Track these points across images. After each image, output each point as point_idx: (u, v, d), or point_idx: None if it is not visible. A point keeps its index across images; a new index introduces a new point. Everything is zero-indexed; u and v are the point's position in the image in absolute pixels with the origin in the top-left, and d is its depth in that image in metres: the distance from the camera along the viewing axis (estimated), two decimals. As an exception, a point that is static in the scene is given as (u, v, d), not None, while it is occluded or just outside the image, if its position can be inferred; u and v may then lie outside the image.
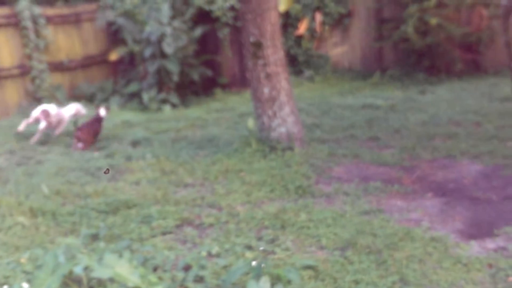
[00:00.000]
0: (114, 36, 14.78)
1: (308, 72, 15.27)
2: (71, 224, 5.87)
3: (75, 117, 10.44)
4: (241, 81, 14.95)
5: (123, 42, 14.30)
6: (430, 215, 5.79)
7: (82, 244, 5.24)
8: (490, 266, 4.58)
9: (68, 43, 14.25)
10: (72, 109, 10.43)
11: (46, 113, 9.77)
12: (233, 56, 15.20)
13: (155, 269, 4.67)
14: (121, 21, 13.86)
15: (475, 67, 13.91)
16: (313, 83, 14.79)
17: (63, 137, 10.10)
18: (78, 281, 4.33)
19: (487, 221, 5.56)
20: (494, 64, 13.67)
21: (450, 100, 11.03)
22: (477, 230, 5.37)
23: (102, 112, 9.82)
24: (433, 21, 12.91)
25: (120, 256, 4.53)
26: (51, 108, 9.99)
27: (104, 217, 6.02)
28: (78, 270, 4.23)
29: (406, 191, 6.48)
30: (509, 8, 9.04)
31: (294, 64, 15.40)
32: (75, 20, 14.35)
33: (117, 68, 15.02)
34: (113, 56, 14.46)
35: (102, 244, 5.20)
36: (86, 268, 4.35)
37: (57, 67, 14.00)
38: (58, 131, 10.22)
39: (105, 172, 7.74)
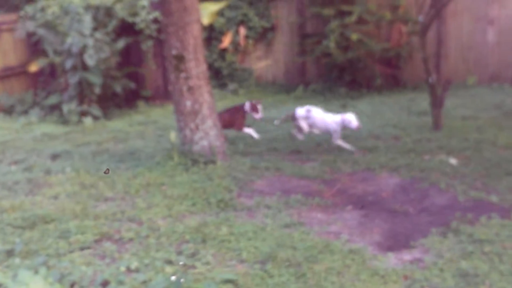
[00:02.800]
0: (34, 47, 14.48)
1: (232, 85, 15.32)
2: (-15, 240, 5.69)
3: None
4: (164, 94, 14.88)
5: (43, 53, 14.01)
6: (349, 227, 5.87)
7: (-4, 260, 5.09)
8: (406, 277, 4.67)
9: (-14, 54, 13.89)
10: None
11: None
12: (157, 69, 15.12)
13: (72, 286, 4.56)
14: (41, 32, 13.57)
15: (394, 82, 14.24)
16: (237, 96, 14.85)
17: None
18: (-10, 299, 4.20)
19: (404, 233, 5.67)
20: (412, 79, 14.03)
21: (370, 114, 11.25)
22: (394, 242, 5.48)
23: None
24: (354, 36, 13.17)
25: (36, 272, 4.43)
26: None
27: (21, 233, 5.85)
28: (-10, 287, 4.11)
29: (327, 204, 6.55)
30: (426, 25, 9.33)
31: (218, 77, 15.44)
32: (-6, 31, 14.01)
33: (37, 80, 14.70)
34: (33, 67, 14.15)
35: (17, 260, 5.05)
36: (-1, 286, 4.23)
37: (-26, 78, 13.63)
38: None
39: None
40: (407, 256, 5.13)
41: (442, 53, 13.88)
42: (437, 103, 9.38)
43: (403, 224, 5.92)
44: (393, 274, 4.72)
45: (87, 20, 12.76)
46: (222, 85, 15.47)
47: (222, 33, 15.30)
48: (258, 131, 10.26)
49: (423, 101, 11.41)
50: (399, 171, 7.55)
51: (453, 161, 7.74)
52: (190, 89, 7.87)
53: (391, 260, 5.04)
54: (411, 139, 9.01)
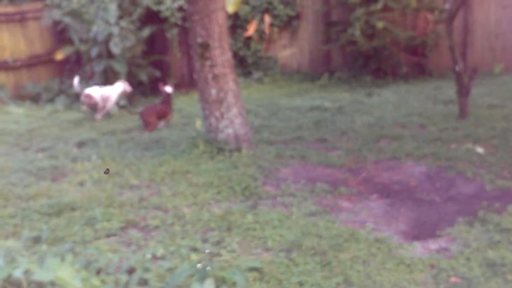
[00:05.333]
0: (60, 35, 14.56)
1: (257, 74, 15.29)
2: (12, 226, 5.74)
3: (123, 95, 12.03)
4: (189, 82, 14.90)
5: (69, 41, 14.09)
6: (375, 216, 5.85)
7: (23, 247, 5.13)
8: (432, 266, 4.65)
9: (12, 42, 13.99)
10: (118, 88, 11.79)
11: (88, 97, 11.25)
12: (182, 57, 15.15)
13: (98, 272, 4.59)
14: (67, 20, 13.64)
15: (420, 70, 14.14)
16: (262, 84, 14.82)
17: (5, 137, 9.89)
18: (17, 284, 4.22)
19: (430, 222, 5.64)
20: (438, 67, 13.93)
21: (396, 103, 11.18)
22: (420, 231, 5.46)
23: (168, 89, 10.24)
24: (380, 24, 13.07)
25: (62, 259, 4.46)
26: (94, 91, 11.37)
27: (47, 219, 5.91)
28: (17, 273, 4.13)
29: (352, 193, 6.53)
30: (452, 13, 9.24)
31: (243, 65, 15.42)
32: (20, 19, 14.10)
33: (63, 68, 14.80)
34: (59, 55, 14.23)
35: (44, 247, 5.09)
36: (26, 272, 4.25)
37: (1, 66, 13.74)
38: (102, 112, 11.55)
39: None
40: (433, 245, 5.10)
41: (468, 41, 13.80)
42: (463, 91, 9.30)
43: (429, 213, 5.89)
44: (419, 263, 4.70)
45: (113, 9, 12.81)
46: (247, 74, 15.45)
47: (247, 21, 15.26)
48: (283, 119, 10.26)
49: (449, 89, 11.33)
50: (425, 159, 7.50)
51: (480, 150, 7.67)
52: (215, 77, 7.87)
53: (417, 249, 5.02)
54: (437, 128, 8.95)
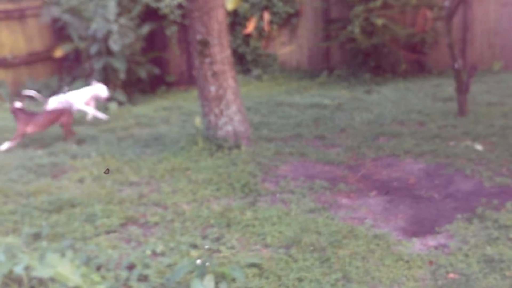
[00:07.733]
0: (59, 32, 14.55)
1: (256, 71, 15.28)
2: (12, 223, 5.77)
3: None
4: (189, 79, 14.89)
5: (68, 38, 14.07)
6: (374, 213, 5.87)
7: (23, 243, 5.17)
8: (431, 263, 4.67)
9: (11, 39, 13.98)
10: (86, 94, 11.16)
11: None
12: (181, 54, 15.14)
13: (98, 268, 4.61)
14: (66, 17, 13.62)
15: (419, 68, 14.13)
16: (261, 82, 14.82)
17: (5, 134, 9.89)
18: (18, 280, 4.25)
19: (429, 219, 5.67)
20: (437, 64, 13.91)
21: (395, 100, 11.19)
22: (419, 228, 5.48)
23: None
24: (379, 21, 13.06)
25: (63, 255, 4.47)
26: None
27: (47, 216, 5.94)
28: (18, 269, 4.16)
29: (351, 189, 6.56)
30: (452, 10, 9.24)
31: (242, 63, 15.40)
32: (19, 16, 14.08)
33: (63, 65, 14.80)
34: (58, 52, 14.22)
35: (44, 243, 5.12)
36: (27, 268, 4.27)
37: (0, 63, 13.73)
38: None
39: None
40: (432, 241, 5.12)
41: (467, 38, 13.80)
42: (462, 89, 9.31)
43: (428, 210, 5.91)
44: (417, 259, 4.72)
45: (112, 6, 12.79)
46: (246, 71, 15.44)
47: (246, 18, 15.25)
48: (282, 116, 10.26)
49: (448, 87, 11.34)
50: (424, 157, 7.52)
51: (478, 147, 7.69)
52: (214, 74, 7.88)
53: (415, 245, 5.04)
54: (436, 125, 8.96)
